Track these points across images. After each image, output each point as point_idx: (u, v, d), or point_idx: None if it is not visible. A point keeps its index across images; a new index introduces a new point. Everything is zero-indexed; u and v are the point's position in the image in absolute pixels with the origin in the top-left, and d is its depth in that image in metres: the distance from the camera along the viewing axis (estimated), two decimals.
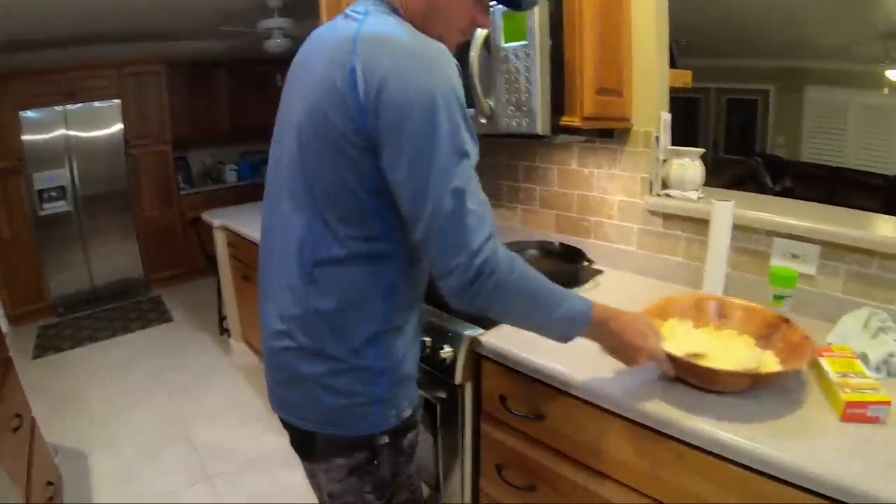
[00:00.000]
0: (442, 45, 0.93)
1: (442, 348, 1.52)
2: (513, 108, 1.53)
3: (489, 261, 0.90)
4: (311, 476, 1.22)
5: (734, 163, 5.62)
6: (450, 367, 1.51)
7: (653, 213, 1.78)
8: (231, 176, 5.64)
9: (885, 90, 4.85)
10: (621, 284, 1.79)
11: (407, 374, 1.10)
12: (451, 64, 0.92)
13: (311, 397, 1.04)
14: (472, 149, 0.92)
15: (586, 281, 1.79)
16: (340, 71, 0.90)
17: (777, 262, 1.54)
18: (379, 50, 0.90)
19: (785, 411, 1.07)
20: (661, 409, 1.10)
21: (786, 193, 4.94)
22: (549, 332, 1.06)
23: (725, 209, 1.49)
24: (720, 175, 5.12)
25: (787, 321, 1.24)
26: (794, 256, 1.50)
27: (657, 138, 1.72)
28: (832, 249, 1.44)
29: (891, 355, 1.17)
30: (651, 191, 1.77)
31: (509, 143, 2.19)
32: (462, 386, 1.53)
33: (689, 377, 1.15)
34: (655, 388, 1.17)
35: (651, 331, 1.11)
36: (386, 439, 1.08)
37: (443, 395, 1.60)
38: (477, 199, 0.91)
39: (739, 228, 1.58)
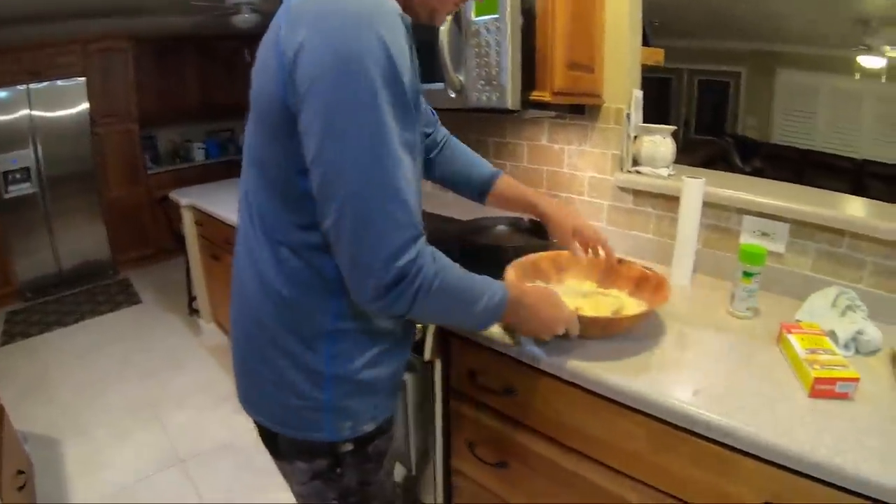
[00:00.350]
0: (384, 4, 0.77)
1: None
2: (483, 82, 1.47)
3: (410, 266, 0.79)
4: (281, 471, 1.15)
5: (705, 143, 5.64)
6: (419, 343, 1.46)
7: (623, 189, 1.74)
8: (199, 154, 5.48)
9: (857, 75, 4.88)
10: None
11: (368, 384, 0.98)
12: (391, 27, 0.76)
13: (267, 393, 0.98)
14: (404, 128, 0.79)
15: None
16: (273, 36, 0.81)
17: (747, 240, 1.51)
18: (304, 8, 0.78)
19: (766, 389, 1.05)
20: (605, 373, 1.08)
21: (756, 174, 4.96)
22: (469, 325, 1.01)
23: (696, 186, 1.45)
24: (691, 155, 5.14)
25: (623, 262, 1.37)
26: (764, 234, 1.48)
27: (628, 115, 1.67)
28: (802, 228, 1.42)
29: (859, 333, 1.15)
30: (622, 167, 1.73)
31: (479, 118, 2.13)
32: (432, 363, 1.49)
33: (593, 331, 1.17)
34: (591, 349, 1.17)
35: (560, 299, 1.09)
36: (349, 447, 1.00)
37: (412, 372, 1.55)
38: (401, 189, 0.78)
39: (710, 206, 1.55)
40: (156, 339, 3.70)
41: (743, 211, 1.51)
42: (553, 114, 1.81)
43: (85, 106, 4.43)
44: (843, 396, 1.00)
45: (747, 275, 1.29)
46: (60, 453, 2.60)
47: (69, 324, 3.96)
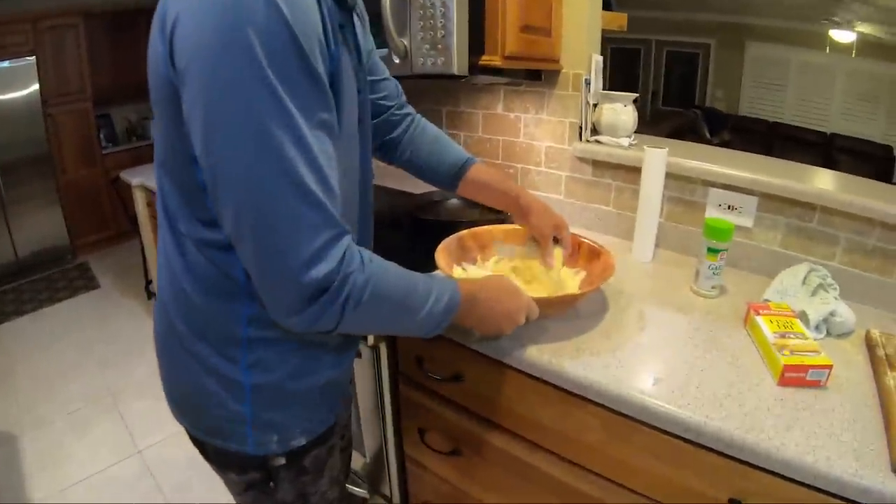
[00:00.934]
0: None
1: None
2: (428, 46, 1.32)
3: (332, 275, 0.64)
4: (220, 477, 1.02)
5: (673, 114, 5.54)
6: None
7: (582, 160, 1.61)
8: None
9: (827, 49, 4.79)
10: None
11: (295, 395, 0.84)
12: None
13: (187, 398, 0.86)
14: (317, 107, 0.64)
15: None
16: (160, 5, 0.67)
17: (713, 214, 1.39)
18: None
19: (731, 376, 0.93)
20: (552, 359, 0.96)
21: (724, 146, 4.89)
22: (416, 334, 0.83)
23: (658, 156, 1.33)
24: (659, 126, 5.03)
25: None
26: (731, 208, 1.36)
27: (587, 81, 1.54)
28: (771, 202, 1.30)
29: (831, 314, 1.04)
30: (580, 137, 1.60)
31: (433, 86, 1.98)
32: (377, 347, 1.38)
33: (548, 311, 1.06)
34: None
35: (514, 284, 0.97)
36: (282, 461, 0.87)
37: (358, 356, 1.43)
38: (307, 184, 0.62)
39: (674, 178, 1.43)
40: (115, 325, 3.52)
41: (708, 183, 1.39)
42: (506, 80, 1.66)
43: (35, 87, 4.15)
44: (814, 384, 0.89)
45: (712, 251, 1.18)
46: (19, 449, 2.47)
47: (27, 312, 3.74)
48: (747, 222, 1.35)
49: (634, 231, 1.43)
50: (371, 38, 0.96)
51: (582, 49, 1.52)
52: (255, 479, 0.89)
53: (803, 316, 1.05)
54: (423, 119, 1.20)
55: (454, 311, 0.81)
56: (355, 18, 0.78)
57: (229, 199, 0.64)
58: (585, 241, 1.25)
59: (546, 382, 1.01)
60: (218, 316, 0.78)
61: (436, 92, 1.97)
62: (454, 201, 1.74)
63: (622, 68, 6.06)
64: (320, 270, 0.63)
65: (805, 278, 1.16)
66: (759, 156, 1.55)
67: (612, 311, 1.15)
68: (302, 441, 0.87)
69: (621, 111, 1.51)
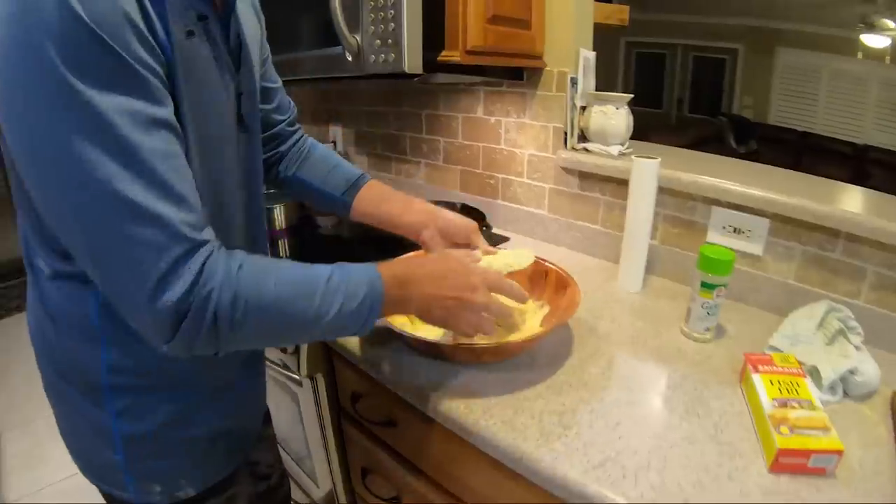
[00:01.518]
0: None
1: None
2: (379, 41, 1.13)
3: (188, 297, 0.54)
4: None
5: (698, 122, 5.24)
6: (294, 356, 1.19)
7: (567, 170, 1.39)
8: None
9: (860, 55, 4.46)
10: None
11: (179, 444, 0.76)
12: None
13: (70, 439, 0.78)
14: (136, 109, 0.51)
15: None
16: None
17: (716, 238, 1.16)
18: None
19: (710, 455, 0.70)
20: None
21: (751, 156, 4.60)
22: (335, 336, 0.73)
23: (648, 168, 1.11)
24: (683, 134, 4.76)
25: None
26: (738, 232, 1.13)
27: (573, 80, 1.32)
28: (785, 225, 1.07)
29: (850, 373, 0.81)
30: (566, 144, 1.38)
31: (411, 89, 1.79)
32: (313, 378, 1.22)
33: (468, 357, 0.90)
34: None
35: (460, 261, 0.79)
36: None
37: (300, 385, 1.28)
38: (135, 199, 0.51)
39: (670, 193, 1.21)
40: None
41: (711, 201, 1.16)
42: (480, 80, 1.47)
43: None
44: (818, 472, 0.67)
45: (707, 287, 0.95)
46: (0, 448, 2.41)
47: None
48: (756, 249, 1.12)
49: (621, 256, 1.21)
50: (267, 45, 0.90)
51: (568, 44, 1.30)
52: None
53: (814, 373, 0.82)
54: (318, 143, 1.06)
55: (379, 302, 0.68)
56: (241, 15, 0.71)
57: (61, 230, 0.56)
58: (553, 267, 1.05)
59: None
60: (77, 360, 0.69)
61: (415, 94, 1.77)
62: None
63: (647, 74, 5.77)
64: (173, 294, 0.53)
65: (822, 320, 0.93)
66: (775, 168, 1.32)
67: (575, 356, 0.94)
68: (190, 492, 0.79)
69: (612, 114, 1.29)
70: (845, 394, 0.82)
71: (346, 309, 0.64)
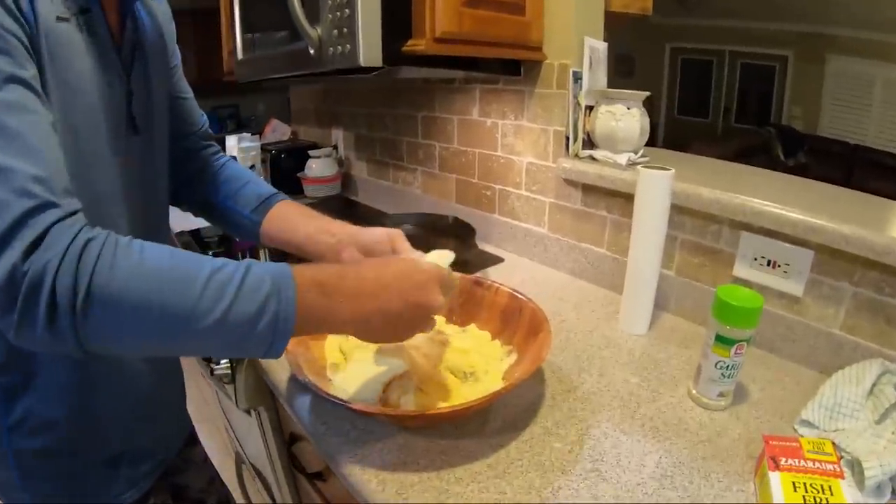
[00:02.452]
0: None
1: (217, 361, 1.00)
2: (336, 31, 0.95)
3: (16, 269, 0.43)
4: None
5: (744, 132, 4.88)
6: (231, 385, 1.03)
7: (569, 182, 1.16)
8: None
9: None
10: (518, 284, 1.18)
11: (76, 466, 0.71)
12: None
13: None
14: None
15: (473, 272, 1.19)
16: None
17: (744, 272, 0.92)
18: None
19: None
20: None
21: (799, 169, 4.23)
22: (236, 349, 0.54)
23: (658, 181, 0.87)
24: (727, 144, 4.42)
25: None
26: (773, 265, 0.89)
27: (575, 74, 1.09)
28: (834, 259, 0.81)
29: None
30: (568, 150, 1.15)
31: (408, 88, 1.59)
32: (256, 411, 1.06)
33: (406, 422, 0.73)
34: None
35: (407, 263, 0.64)
36: None
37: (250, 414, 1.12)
38: None
39: (690, 214, 0.97)
40: None
41: (740, 225, 0.91)
42: (474, 76, 1.26)
43: None
44: None
45: (724, 342, 0.72)
46: None
47: None
48: (795, 288, 0.86)
49: (623, 291, 0.98)
50: (177, 55, 0.84)
51: (569, 31, 1.08)
52: None
53: (856, 466, 0.58)
54: (234, 161, 0.94)
55: (290, 310, 0.51)
56: (143, 20, 0.70)
57: None
58: (529, 304, 0.83)
59: None
60: None
61: (411, 94, 1.58)
62: (407, 227, 1.36)
63: (692, 81, 5.43)
64: (8, 258, 0.43)
65: (874, 387, 0.69)
66: (824, 185, 1.06)
67: (539, 424, 0.71)
68: None
69: (621, 115, 1.06)
70: (894, 494, 0.58)
71: (238, 310, 0.49)
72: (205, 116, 0.92)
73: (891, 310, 0.77)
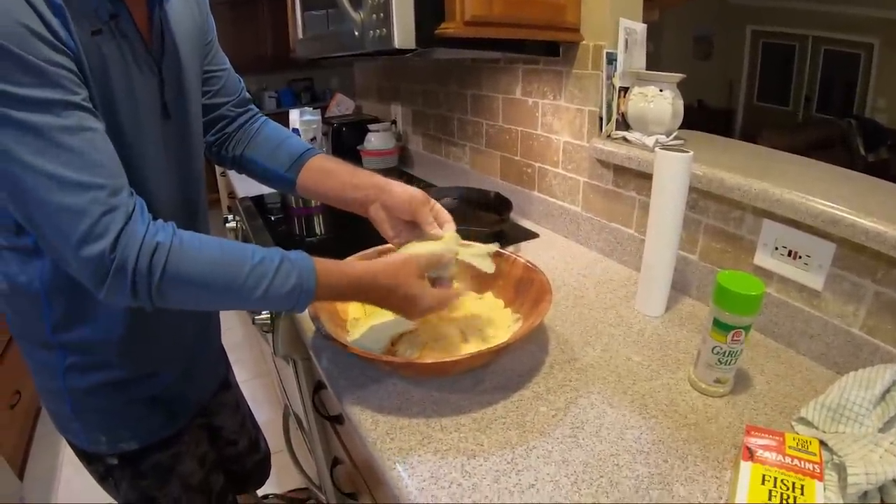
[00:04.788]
0: None
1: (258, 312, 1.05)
2: (374, 15, 0.97)
3: (103, 258, 0.55)
4: None
5: (823, 123, 4.51)
6: (270, 334, 1.08)
7: (601, 162, 1.13)
8: (270, 103, 5.00)
9: None
10: (548, 259, 1.17)
11: (120, 402, 0.80)
12: None
13: (40, 393, 0.83)
14: (50, 99, 0.54)
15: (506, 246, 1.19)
16: None
17: (764, 261, 0.87)
18: None
19: None
20: None
21: (880, 166, 3.88)
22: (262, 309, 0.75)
23: (676, 164, 0.84)
24: (802, 134, 4.10)
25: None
26: (794, 256, 0.83)
27: (609, 55, 1.05)
28: (857, 254, 0.75)
29: None
30: (601, 131, 1.12)
31: (457, 67, 1.58)
32: (294, 360, 1.12)
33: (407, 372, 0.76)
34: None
35: (411, 286, 0.70)
36: (115, 461, 0.84)
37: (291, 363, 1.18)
38: (59, 172, 0.54)
39: (715, 199, 0.92)
40: None
41: (762, 212, 0.86)
42: (518, 56, 1.23)
43: None
44: None
45: (722, 327, 0.69)
46: None
47: None
48: (815, 281, 0.81)
49: (640, 271, 0.95)
50: (212, 29, 0.86)
51: (604, 12, 1.04)
52: (99, 472, 0.87)
53: (839, 471, 0.55)
54: (271, 121, 0.97)
55: (306, 298, 0.65)
56: (170, 6, 0.72)
57: (6, 205, 0.60)
58: (539, 276, 0.83)
59: None
60: (29, 320, 0.74)
61: (461, 73, 1.56)
62: (447, 201, 1.36)
63: (773, 67, 5.03)
64: (93, 251, 0.55)
65: (887, 392, 0.64)
66: (864, 176, 0.97)
67: (531, 388, 0.72)
68: (133, 445, 0.84)
69: (653, 97, 1.01)
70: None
71: (271, 294, 0.63)
72: (242, 83, 0.95)
73: None
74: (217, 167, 2.91)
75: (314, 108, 1.93)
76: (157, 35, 0.70)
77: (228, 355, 1.13)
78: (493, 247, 0.83)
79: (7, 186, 0.55)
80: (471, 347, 0.77)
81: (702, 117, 4.18)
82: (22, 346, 0.79)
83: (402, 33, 0.91)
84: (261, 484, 1.30)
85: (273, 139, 0.92)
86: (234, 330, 2.72)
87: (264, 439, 1.27)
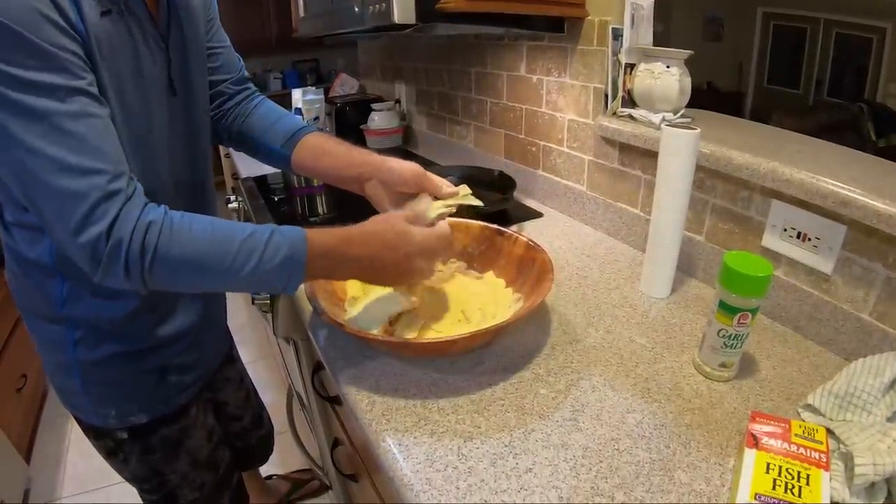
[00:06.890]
0: None
1: (257, 293, 1.04)
2: None
3: (99, 241, 0.56)
4: None
5: (835, 107, 4.41)
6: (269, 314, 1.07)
7: (607, 140, 1.10)
8: (275, 84, 4.90)
9: None
10: (551, 239, 1.14)
11: (128, 375, 0.81)
12: None
13: (45, 366, 0.83)
14: (57, 84, 0.54)
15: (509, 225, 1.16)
16: None
17: (773, 242, 0.84)
18: None
19: None
20: None
21: (891, 151, 3.80)
22: (259, 289, 0.65)
23: (682, 141, 0.80)
24: (812, 118, 4.02)
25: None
26: (803, 238, 0.80)
27: (615, 31, 1.01)
28: (868, 237, 0.71)
29: None
30: (607, 108, 1.08)
31: (461, 44, 1.54)
32: (294, 341, 1.11)
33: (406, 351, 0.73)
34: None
35: (405, 240, 0.68)
36: (124, 435, 0.86)
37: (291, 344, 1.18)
38: (61, 156, 0.54)
39: (722, 178, 0.89)
40: None
41: (771, 192, 0.83)
42: (523, 33, 1.19)
43: None
44: None
45: (728, 310, 0.66)
46: None
47: None
48: (825, 265, 0.77)
49: (645, 255, 0.92)
50: (215, 8, 0.85)
51: None
52: (108, 447, 0.87)
53: (845, 461, 0.52)
54: (268, 100, 0.97)
55: (300, 268, 0.63)
56: None
57: (9, 185, 0.61)
58: (541, 256, 0.80)
59: None
60: (38, 295, 0.75)
61: (464, 50, 1.53)
62: (450, 179, 1.34)
63: (784, 50, 4.92)
64: (90, 235, 0.55)
65: (895, 382, 0.62)
66: (876, 159, 0.94)
67: (531, 369, 0.70)
68: (143, 418, 0.85)
69: (659, 74, 0.98)
70: (891, 496, 0.51)
71: (262, 268, 0.61)
72: (241, 62, 0.94)
73: None
74: (221, 149, 2.88)
75: (317, 89, 1.90)
76: (163, 13, 0.70)
77: (233, 336, 1.12)
78: (465, 188, 0.80)
79: (11, 167, 0.55)
80: (471, 328, 0.75)
81: (711, 99, 4.10)
82: (30, 322, 0.79)
83: (402, 8, 0.89)
84: (264, 460, 1.29)
85: (270, 116, 0.92)
86: (239, 311, 2.72)
87: (268, 415, 1.27)
